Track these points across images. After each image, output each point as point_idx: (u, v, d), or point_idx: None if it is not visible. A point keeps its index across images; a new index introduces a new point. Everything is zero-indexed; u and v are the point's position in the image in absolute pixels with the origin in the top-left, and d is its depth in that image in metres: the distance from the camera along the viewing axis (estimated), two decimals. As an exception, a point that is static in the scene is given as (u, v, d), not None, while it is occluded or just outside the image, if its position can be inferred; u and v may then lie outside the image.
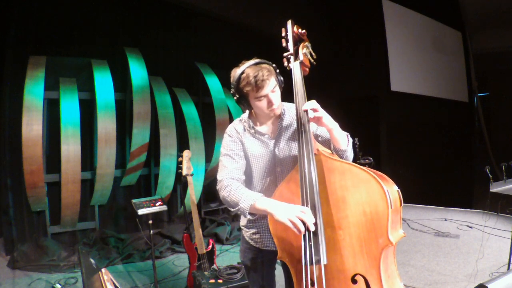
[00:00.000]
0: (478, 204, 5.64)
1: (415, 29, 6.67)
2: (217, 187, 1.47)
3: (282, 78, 1.51)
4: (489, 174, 3.14)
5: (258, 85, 1.39)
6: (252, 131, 1.54)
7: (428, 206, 5.84)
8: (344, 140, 1.42)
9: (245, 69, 1.42)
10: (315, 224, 1.22)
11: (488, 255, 3.57)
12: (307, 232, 1.22)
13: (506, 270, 3.10)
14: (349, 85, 6.42)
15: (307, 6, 6.26)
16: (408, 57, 6.53)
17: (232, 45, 5.40)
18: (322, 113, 1.34)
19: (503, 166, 3.19)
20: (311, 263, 1.21)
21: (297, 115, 1.38)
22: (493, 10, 6.63)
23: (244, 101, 1.48)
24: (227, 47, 5.40)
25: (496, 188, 3.20)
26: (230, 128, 1.58)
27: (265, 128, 1.56)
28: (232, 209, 1.39)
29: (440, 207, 5.75)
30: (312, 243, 1.21)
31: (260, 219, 1.58)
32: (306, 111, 1.35)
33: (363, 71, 6.34)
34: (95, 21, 4.36)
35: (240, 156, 1.51)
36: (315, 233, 1.22)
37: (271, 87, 1.42)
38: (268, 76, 1.40)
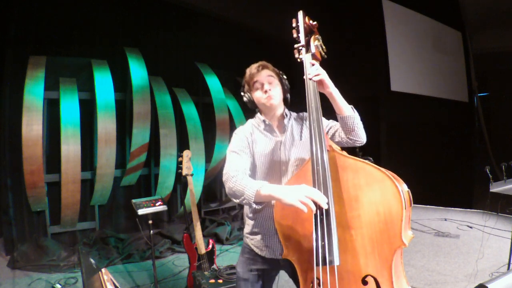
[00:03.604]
0: (478, 204, 5.65)
1: (415, 29, 6.67)
2: (223, 179, 1.43)
3: (288, 84, 1.61)
4: (489, 174, 3.14)
5: (252, 72, 1.55)
6: (262, 126, 1.59)
7: (428, 206, 5.85)
8: (347, 106, 1.43)
9: None
10: (329, 223, 1.17)
11: (488, 255, 3.57)
12: (319, 231, 1.17)
13: (506, 270, 3.10)
14: (349, 85, 6.40)
15: (307, 6, 6.25)
16: (408, 57, 6.53)
17: (232, 45, 5.40)
18: (324, 75, 1.37)
19: (503, 166, 3.19)
20: (324, 264, 1.17)
21: (308, 110, 1.36)
22: (493, 10, 6.63)
23: (249, 96, 1.60)
24: (227, 47, 5.40)
25: (496, 188, 3.21)
26: (238, 128, 1.63)
27: (274, 125, 1.60)
28: (237, 200, 1.34)
29: (440, 207, 5.76)
30: (325, 243, 1.17)
31: (265, 223, 1.55)
32: (311, 79, 1.37)
33: (363, 71, 6.34)
34: (95, 21, 4.36)
35: (246, 153, 1.51)
36: (329, 232, 1.17)
37: (265, 75, 1.54)
38: (263, 66, 1.55)
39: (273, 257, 1.56)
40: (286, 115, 1.60)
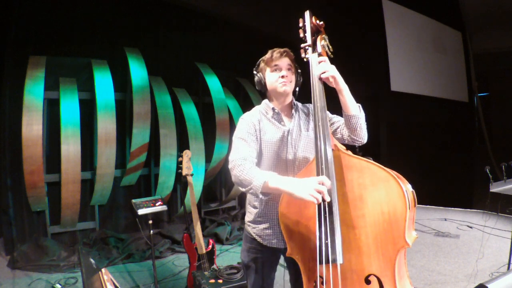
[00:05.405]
0: (478, 204, 5.65)
1: (415, 29, 6.67)
2: (229, 166, 1.41)
3: (300, 79, 1.63)
4: (489, 174, 3.15)
5: (273, 56, 1.56)
6: (270, 113, 1.59)
7: (428, 206, 5.84)
8: (354, 105, 1.43)
9: None
10: (332, 221, 1.19)
11: (488, 255, 3.58)
12: (323, 230, 1.19)
13: (506, 270, 3.10)
14: (349, 85, 6.40)
15: (306, 7, 6.26)
16: (408, 57, 6.53)
17: (232, 45, 5.40)
18: (333, 71, 1.37)
19: (503, 166, 3.19)
20: (327, 262, 1.18)
21: (314, 109, 1.37)
22: (493, 10, 6.63)
23: (261, 77, 1.60)
24: (227, 47, 5.40)
25: (496, 188, 3.20)
26: (245, 113, 1.63)
27: (282, 114, 1.61)
28: (243, 189, 1.32)
29: (440, 207, 5.75)
30: (328, 241, 1.18)
31: (268, 212, 1.56)
32: (320, 77, 1.38)
33: (363, 71, 6.34)
34: (95, 21, 4.35)
35: (253, 140, 1.51)
36: (332, 231, 1.18)
37: (286, 62, 1.56)
38: (285, 53, 1.56)
39: (274, 247, 1.57)
40: (294, 104, 1.63)
